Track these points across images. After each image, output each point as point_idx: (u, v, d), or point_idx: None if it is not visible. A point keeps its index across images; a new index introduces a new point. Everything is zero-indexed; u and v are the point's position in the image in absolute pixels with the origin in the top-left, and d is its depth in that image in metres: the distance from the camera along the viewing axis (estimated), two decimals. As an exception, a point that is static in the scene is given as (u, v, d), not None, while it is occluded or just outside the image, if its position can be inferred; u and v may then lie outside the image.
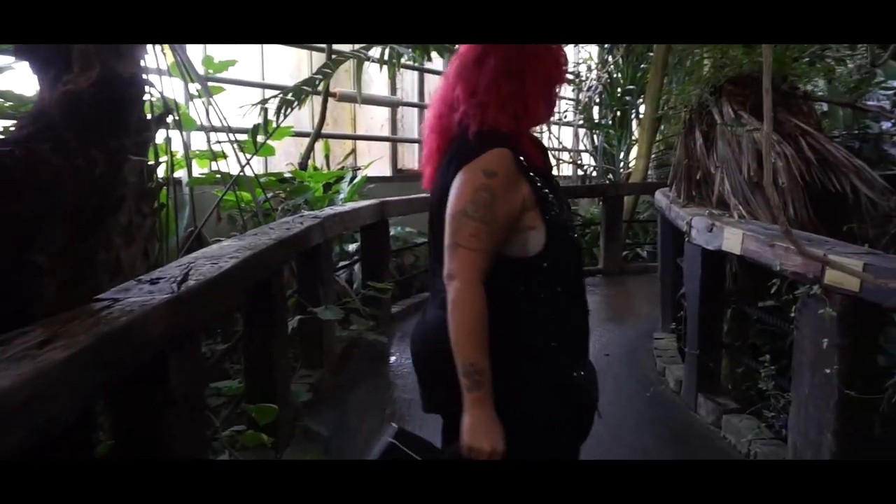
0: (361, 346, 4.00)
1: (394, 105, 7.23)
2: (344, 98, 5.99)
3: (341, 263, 5.19)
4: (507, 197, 1.25)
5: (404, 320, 4.83)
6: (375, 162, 6.90)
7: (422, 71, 7.67)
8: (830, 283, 2.10)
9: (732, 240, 2.71)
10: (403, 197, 4.88)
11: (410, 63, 6.67)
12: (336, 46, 5.20)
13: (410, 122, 7.78)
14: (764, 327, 3.34)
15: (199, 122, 3.80)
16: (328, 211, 3.82)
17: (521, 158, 1.29)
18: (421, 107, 7.79)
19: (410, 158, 7.83)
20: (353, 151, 6.90)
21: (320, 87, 4.42)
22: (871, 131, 5.94)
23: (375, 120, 7.33)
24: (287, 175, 5.06)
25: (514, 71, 1.31)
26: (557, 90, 1.39)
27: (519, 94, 1.31)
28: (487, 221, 1.22)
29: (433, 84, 8.11)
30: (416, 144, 7.83)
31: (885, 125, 6.15)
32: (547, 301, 1.28)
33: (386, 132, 7.36)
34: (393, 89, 7.32)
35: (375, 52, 4.35)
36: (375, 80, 7.10)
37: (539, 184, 1.30)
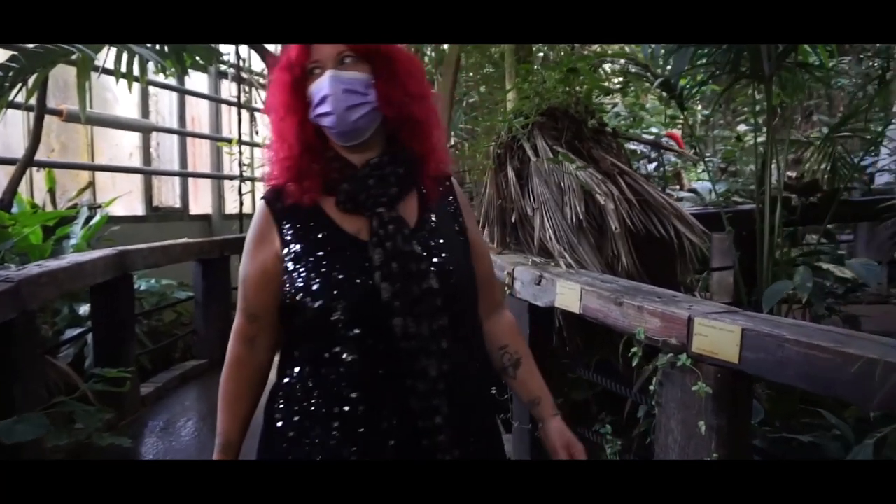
0: (93, 454, 2.90)
1: (145, 130, 6.01)
2: (73, 118, 4.72)
3: (69, 333, 3.93)
4: (256, 253, 1.20)
5: (160, 403, 3.75)
6: (122, 198, 5.63)
7: (182, 92, 6.56)
8: (701, 351, 1.75)
9: (568, 295, 2.30)
10: (154, 244, 3.83)
11: (159, 79, 5.60)
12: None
13: (169, 150, 6.58)
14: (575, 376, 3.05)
15: None
16: (33, 268, 2.70)
17: (286, 209, 1.17)
18: (181, 133, 6.65)
19: (170, 194, 6.61)
20: (92, 185, 5.55)
21: (20, 97, 3.24)
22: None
23: (122, 147, 6.02)
24: (-22, 216, 3.70)
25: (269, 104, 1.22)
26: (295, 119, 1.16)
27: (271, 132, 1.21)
28: (242, 279, 1.22)
29: (198, 108, 7.03)
30: (177, 178, 6.64)
31: (648, 167, 6.62)
32: (302, 367, 1.17)
33: (136, 162, 6.09)
34: (145, 111, 6.11)
35: (110, 55, 3.33)
36: (122, 99, 5.86)
37: (294, 238, 1.16)
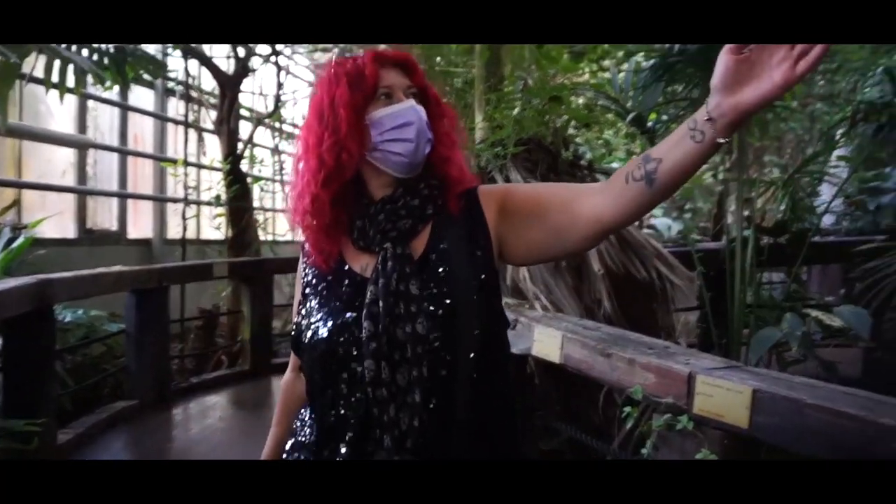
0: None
1: (82, 146, 5.59)
2: (-2, 130, 4.30)
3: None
4: (297, 286, 1.25)
5: (80, 452, 3.31)
6: (53, 219, 5.17)
7: (125, 108, 6.17)
8: (704, 413, 1.56)
9: (547, 343, 2.10)
10: (83, 272, 3.45)
11: (94, 91, 5.23)
12: None
13: (107, 168, 6.15)
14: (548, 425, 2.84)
15: None
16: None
17: (304, 259, 1.21)
18: (122, 152, 6.24)
19: (106, 216, 6.16)
20: (17, 203, 5.08)
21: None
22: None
23: (54, 164, 5.58)
24: None
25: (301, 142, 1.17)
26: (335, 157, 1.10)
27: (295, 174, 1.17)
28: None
29: (141, 126, 6.63)
30: (115, 199, 6.20)
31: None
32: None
33: (70, 181, 5.65)
34: (82, 126, 5.69)
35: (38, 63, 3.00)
36: (57, 111, 5.44)
37: (311, 274, 1.18)
